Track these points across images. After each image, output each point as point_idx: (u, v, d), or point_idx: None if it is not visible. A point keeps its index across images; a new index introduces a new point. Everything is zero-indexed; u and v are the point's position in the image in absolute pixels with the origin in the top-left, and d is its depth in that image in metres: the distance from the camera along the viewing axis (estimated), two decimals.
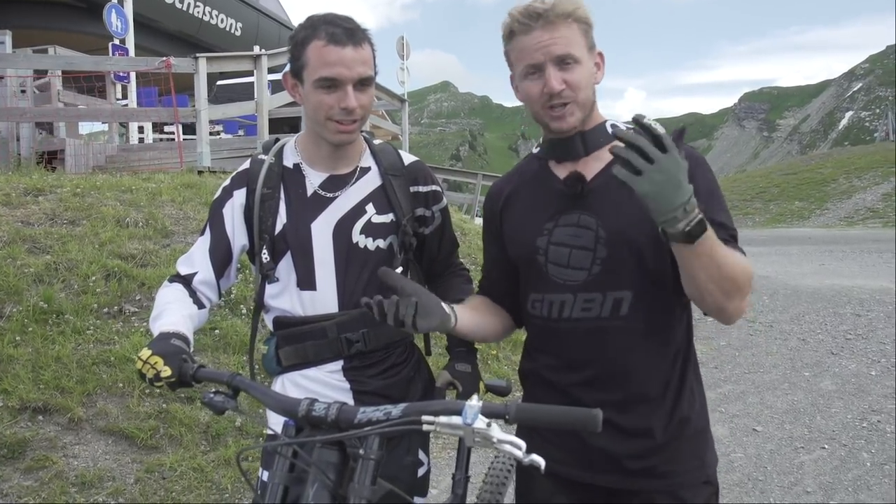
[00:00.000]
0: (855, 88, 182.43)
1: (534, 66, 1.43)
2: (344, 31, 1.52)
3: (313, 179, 1.66)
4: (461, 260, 1.94)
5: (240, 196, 1.67)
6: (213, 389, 1.26)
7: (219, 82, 13.83)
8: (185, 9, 13.95)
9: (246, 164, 1.72)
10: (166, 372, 1.31)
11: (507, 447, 1.00)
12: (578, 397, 1.45)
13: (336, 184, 1.66)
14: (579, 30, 1.43)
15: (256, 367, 1.81)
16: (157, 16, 13.10)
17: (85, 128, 11.08)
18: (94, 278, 4.42)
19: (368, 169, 1.70)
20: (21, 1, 11.73)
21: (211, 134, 8.60)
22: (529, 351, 1.60)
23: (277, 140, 1.75)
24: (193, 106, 7.41)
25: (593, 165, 1.49)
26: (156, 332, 1.46)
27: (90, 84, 8.68)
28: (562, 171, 1.51)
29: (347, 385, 1.63)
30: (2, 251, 4.42)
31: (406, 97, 13.39)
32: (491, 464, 2.12)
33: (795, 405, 4.99)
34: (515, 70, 1.49)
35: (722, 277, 1.28)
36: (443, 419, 1.04)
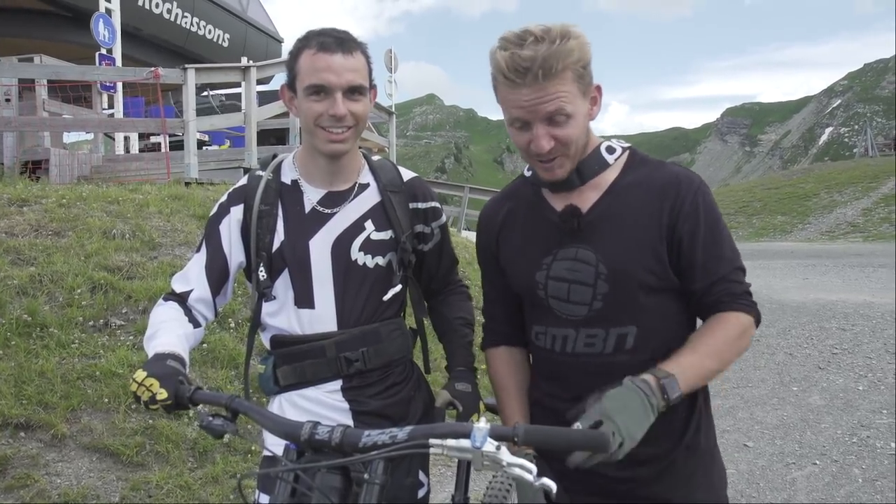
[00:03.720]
0: (834, 105, 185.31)
1: (520, 121, 1.36)
2: (335, 39, 1.51)
3: (311, 196, 1.63)
4: None
5: (237, 212, 1.64)
6: (211, 412, 1.23)
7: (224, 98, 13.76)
8: (172, 19, 13.89)
9: (243, 180, 1.69)
10: (162, 394, 1.28)
11: (518, 471, 0.98)
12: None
13: (334, 200, 1.63)
14: (573, 77, 1.31)
15: (251, 388, 1.77)
16: (144, 26, 13.03)
17: (70, 137, 10.96)
18: (79, 291, 4.34)
19: (367, 185, 1.68)
20: (6, 9, 11.62)
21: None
22: (535, 378, 1.57)
23: (275, 156, 1.72)
24: (181, 116, 7.35)
25: (588, 195, 1.44)
26: (151, 353, 1.42)
27: (76, 94, 8.59)
28: (556, 202, 1.47)
29: (346, 405, 1.60)
30: None
31: (394, 109, 13.38)
32: (490, 483, 2.09)
33: (785, 420, 5.00)
34: (503, 110, 1.40)
35: (719, 372, 1.35)
36: (451, 442, 1.02)
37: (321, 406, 1.59)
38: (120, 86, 9.38)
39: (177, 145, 9.01)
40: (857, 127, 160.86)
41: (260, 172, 1.66)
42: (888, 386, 5.61)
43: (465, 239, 9.50)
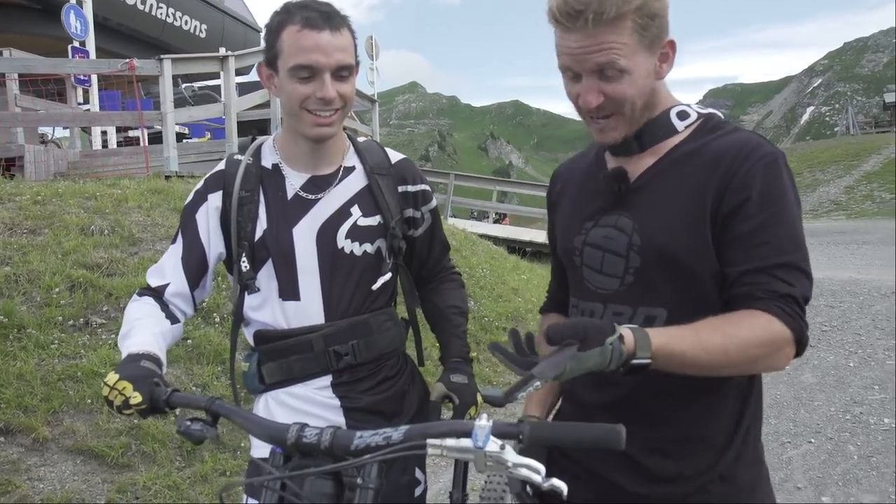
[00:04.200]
0: (815, 84, 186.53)
1: (570, 71, 1.20)
2: (321, 14, 1.40)
3: (294, 181, 1.54)
4: None
5: (215, 200, 1.54)
6: (190, 416, 1.14)
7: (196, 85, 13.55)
8: (147, 10, 13.60)
9: (221, 165, 1.59)
10: (136, 398, 1.19)
11: (525, 471, 0.91)
12: (596, 420, 1.22)
13: (318, 185, 1.54)
14: (633, 28, 1.15)
15: (238, 385, 1.68)
16: (118, 17, 12.74)
17: (58, 132, 10.70)
18: (57, 290, 4.22)
19: (353, 168, 1.58)
20: None
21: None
22: None
23: (254, 139, 1.62)
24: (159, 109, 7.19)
25: (645, 161, 1.28)
26: (124, 353, 1.33)
27: (49, 88, 8.38)
28: (614, 163, 1.33)
29: (337, 402, 1.51)
30: None
31: (376, 98, 13.24)
32: (488, 477, 2.02)
33: (779, 399, 4.99)
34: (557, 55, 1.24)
35: (710, 368, 1.11)
36: (450, 442, 0.94)
37: (310, 404, 1.51)
38: (95, 79, 9.17)
39: (156, 138, 8.83)
40: (837, 106, 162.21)
41: (239, 156, 1.56)
42: (878, 362, 5.63)
43: (452, 226, 9.43)
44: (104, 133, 10.11)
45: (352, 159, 1.59)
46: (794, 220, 1.17)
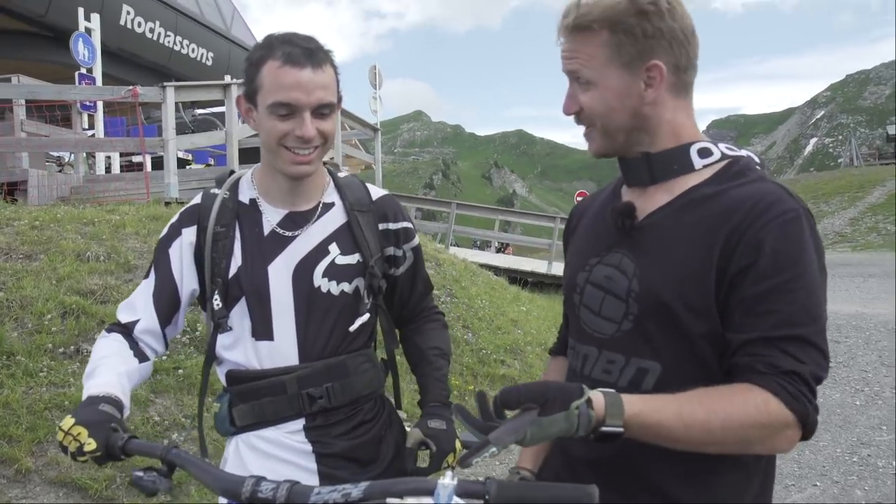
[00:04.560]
0: (818, 116, 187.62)
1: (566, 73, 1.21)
2: (303, 51, 1.36)
3: (271, 217, 1.49)
4: (437, 292, 1.77)
5: (189, 234, 1.50)
6: (145, 466, 1.09)
7: (197, 111, 13.71)
8: (155, 38, 13.81)
9: (197, 199, 1.55)
10: (90, 445, 1.14)
11: None
12: (581, 478, 1.10)
13: (296, 221, 1.49)
14: (609, 41, 1.11)
15: (208, 427, 1.62)
16: (126, 45, 12.94)
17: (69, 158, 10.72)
18: (49, 316, 4.18)
19: (332, 205, 1.53)
20: None
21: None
22: None
23: (233, 172, 1.58)
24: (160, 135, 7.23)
25: (659, 197, 1.19)
26: (84, 395, 1.28)
27: (55, 113, 8.45)
28: (627, 197, 1.25)
29: (309, 447, 1.45)
30: None
31: (379, 126, 13.31)
32: None
33: None
34: None
35: (690, 444, 1.01)
36: (411, 500, 0.88)
37: (282, 448, 1.44)
38: (100, 105, 9.25)
39: (161, 163, 8.87)
40: (841, 137, 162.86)
41: (215, 190, 1.52)
42: (886, 400, 5.52)
43: (453, 256, 9.38)
44: (108, 158, 10.17)
45: (331, 195, 1.55)
46: (812, 287, 1.05)
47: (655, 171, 1.19)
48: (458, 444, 1.50)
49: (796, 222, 1.06)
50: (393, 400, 1.67)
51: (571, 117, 1.22)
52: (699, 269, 1.09)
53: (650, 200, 1.19)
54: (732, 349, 1.07)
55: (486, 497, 0.88)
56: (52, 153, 9.82)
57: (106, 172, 9.81)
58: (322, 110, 1.39)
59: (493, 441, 0.91)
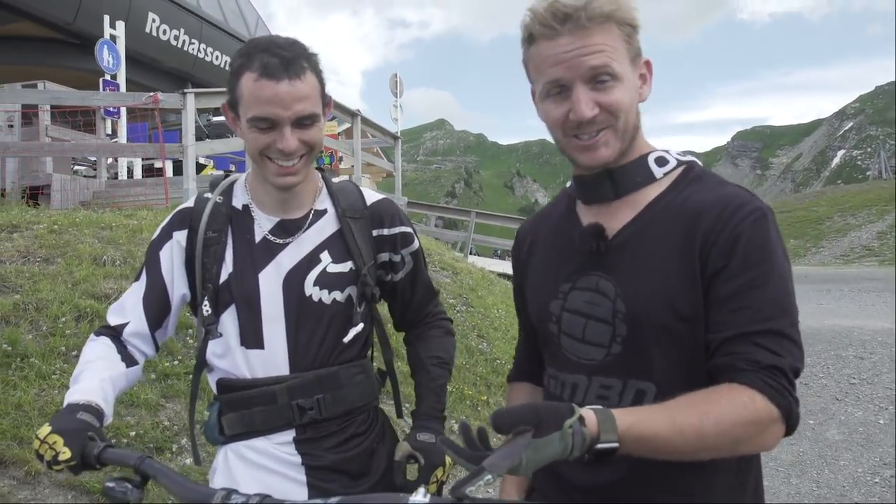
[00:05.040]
0: (846, 128, 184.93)
1: (558, 84, 1.12)
2: (280, 61, 1.31)
3: (263, 223, 1.47)
4: (452, 301, 1.73)
5: (180, 238, 1.48)
6: (118, 475, 1.07)
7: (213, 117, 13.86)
8: (179, 46, 14.00)
9: (189, 203, 1.53)
10: (65, 454, 1.13)
11: None
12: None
13: (287, 229, 1.47)
14: (621, 35, 1.10)
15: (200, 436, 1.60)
16: (151, 52, 13.13)
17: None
18: (64, 319, 4.21)
19: (324, 212, 1.51)
20: (14, 37, 11.73)
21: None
22: None
23: (228, 175, 1.56)
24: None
25: (623, 214, 1.18)
26: (65, 402, 1.26)
27: (78, 119, 8.59)
28: (588, 217, 1.23)
29: (299, 459, 1.42)
30: None
31: (399, 134, 13.34)
32: None
33: (802, 457, 4.75)
34: (535, 84, 1.17)
35: (686, 452, 0.99)
36: None
37: (271, 459, 1.41)
38: (124, 111, 9.39)
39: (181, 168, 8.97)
40: (869, 150, 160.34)
41: (208, 195, 1.50)
42: None
43: (470, 265, 9.34)
44: (130, 162, 10.31)
45: (324, 202, 1.52)
46: (782, 281, 1.07)
47: (619, 186, 1.18)
48: (447, 459, 1.45)
49: (763, 220, 1.09)
50: (395, 408, 1.64)
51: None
52: (684, 277, 1.09)
53: (614, 218, 1.18)
54: (712, 350, 1.08)
55: None
56: (88, 158, 9.99)
57: (128, 177, 9.94)
58: (303, 122, 1.35)
59: (489, 468, 0.86)
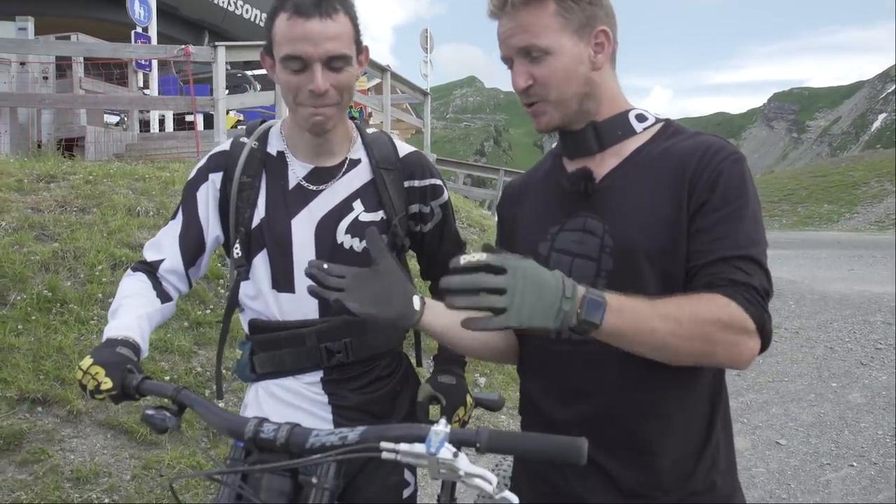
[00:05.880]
0: (889, 90, 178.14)
1: (507, 60, 1.26)
2: (313, 0, 1.34)
3: (297, 170, 1.51)
4: None
5: (216, 179, 1.53)
6: (157, 404, 1.14)
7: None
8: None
9: (225, 146, 1.57)
10: (107, 384, 1.20)
11: (477, 481, 0.86)
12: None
13: (321, 177, 1.50)
14: (556, 11, 1.19)
15: (233, 373, 1.68)
16: (180, 5, 13.12)
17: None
18: (100, 267, 4.35)
19: (358, 161, 1.54)
20: None
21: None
22: (524, 372, 1.38)
23: (264, 121, 1.60)
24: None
25: (608, 162, 1.27)
26: (105, 336, 1.33)
27: (110, 71, 8.68)
28: (573, 168, 1.30)
29: (325, 398, 1.49)
30: (10, 237, 4.38)
31: (429, 91, 13.23)
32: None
33: (822, 418, 4.77)
34: None
35: (662, 337, 1.06)
36: (404, 447, 0.90)
37: (299, 398, 1.49)
38: (155, 64, 9.44)
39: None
40: None
41: (244, 139, 1.54)
42: None
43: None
44: (162, 115, 10.41)
45: (358, 151, 1.55)
46: (755, 215, 1.18)
47: (602, 139, 1.27)
48: (468, 399, 1.52)
49: (741, 162, 1.21)
50: (415, 357, 1.70)
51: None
52: (668, 214, 1.18)
53: (601, 165, 1.27)
54: (692, 275, 1.17)
55: (478, 445, 0.90)
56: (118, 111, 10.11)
57: (160, 130, 10.06)
58: (334, 63, 1.37)
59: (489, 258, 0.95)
